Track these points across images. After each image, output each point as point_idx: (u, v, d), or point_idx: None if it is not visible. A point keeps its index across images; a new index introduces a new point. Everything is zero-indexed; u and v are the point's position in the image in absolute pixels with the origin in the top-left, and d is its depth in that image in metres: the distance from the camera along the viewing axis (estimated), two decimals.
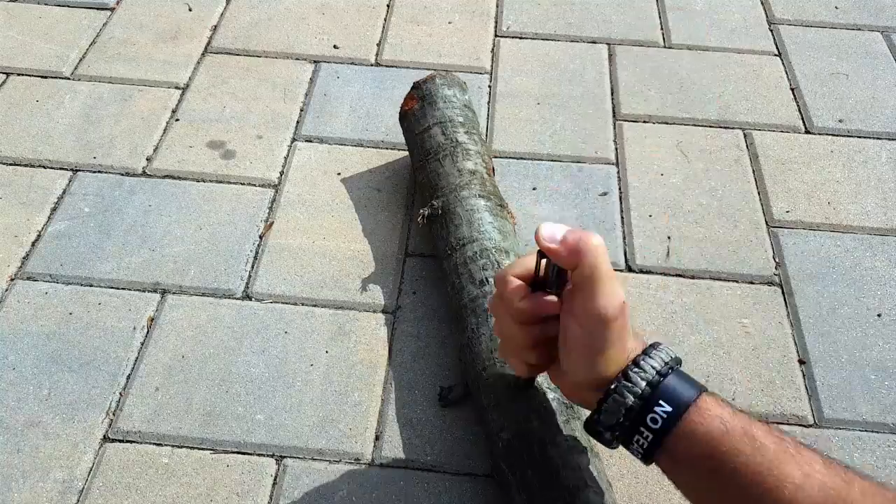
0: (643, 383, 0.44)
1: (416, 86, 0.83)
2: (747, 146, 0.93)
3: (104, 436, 0.65)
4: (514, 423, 0.58)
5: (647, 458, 0.45)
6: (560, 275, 0.47)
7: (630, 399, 0.43)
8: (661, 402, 0.43)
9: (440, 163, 0.77)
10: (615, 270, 0.78)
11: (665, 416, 0.42)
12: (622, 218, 0.85)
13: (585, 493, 0.54)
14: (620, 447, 0.48)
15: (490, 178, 0.78)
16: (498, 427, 0.59)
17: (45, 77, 0.99)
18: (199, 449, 0.65)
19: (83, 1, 1.10)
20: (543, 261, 0.47)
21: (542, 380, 0.60)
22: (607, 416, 0.44)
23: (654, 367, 0.44)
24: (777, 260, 0.81)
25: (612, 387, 0.44)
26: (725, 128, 0.96)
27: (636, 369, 0.44)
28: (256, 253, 0.80)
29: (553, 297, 0.48)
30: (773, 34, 1.10)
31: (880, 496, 0.38)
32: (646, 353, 0.45)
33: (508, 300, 0.48)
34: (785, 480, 0.38)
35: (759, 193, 0.88)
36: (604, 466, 0.59)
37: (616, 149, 0.92)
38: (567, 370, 0.47)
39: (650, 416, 0.43)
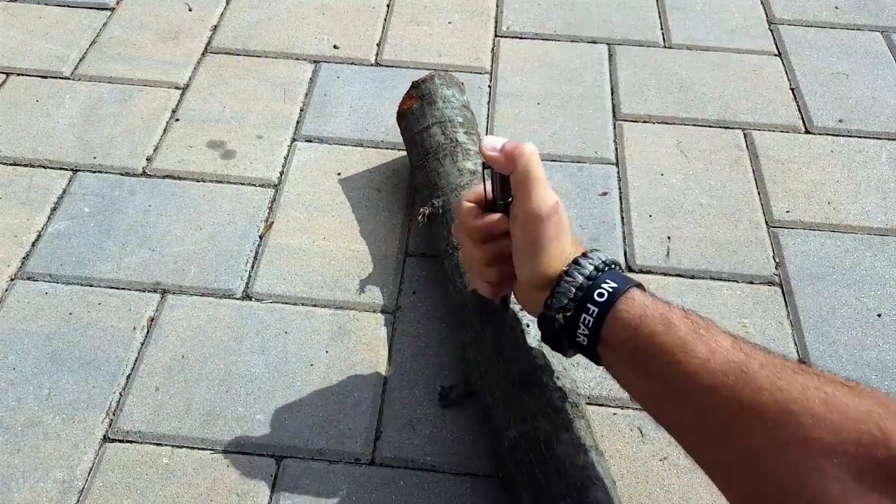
0: (591, 268, 0.49)
1: (415, 85, 0.83)
2: (747, 146, 0.93)
3: (104, 436, 0.65)
4: (520, 421, 0.58)
5: (591, 349, 0.49)
6: (504, 190, 0.52)
7: (580, 278, 0.49)
8: (606, 280, 0.48)
9: (440, 162, 0.76)
10: None
11: (610, 290, 0.47)
12: (622, 218, 0.85)
13: (592, 490, 0.54)
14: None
15: None
16: (504, 425, 0.59)
17: (45, 77, 0.99)
18: (199, 449, 0.65)
19: (83, 1, 1.10)
20: (488, 171, 0.52)
21: (548, 380, 0.60)
22: (559, 298, 0.49)
23: (599, 258, 0.50)
24: (777, 260, 0.81)
25: (564, 270, 0.49)
26: (725, 128, 0.96)
27: (583, 260, 0.50)
28: (256, 253, 0.80)
29: (499, 215, 0.53)
30: (773, 34, 1.10)
31: (778, 365, 0.41)
32: (586, 253, 0.51)
33: (464, 222, 0.54)
34: (692, 356, 0.43)
35: (759, 193, 0.88)
36: (608, 465, 0.58)
37: (616, 149, 0.92)
38: (519, 276, 0.52)
39: (597, 292, 0.47)
